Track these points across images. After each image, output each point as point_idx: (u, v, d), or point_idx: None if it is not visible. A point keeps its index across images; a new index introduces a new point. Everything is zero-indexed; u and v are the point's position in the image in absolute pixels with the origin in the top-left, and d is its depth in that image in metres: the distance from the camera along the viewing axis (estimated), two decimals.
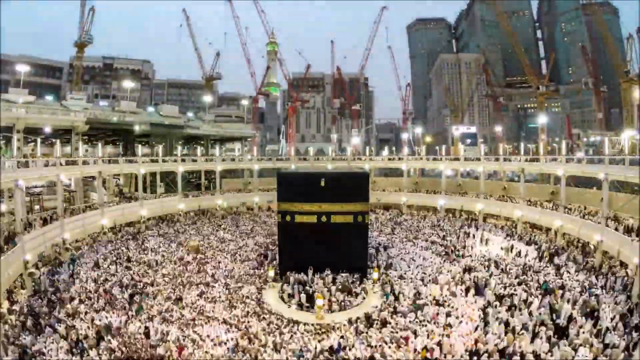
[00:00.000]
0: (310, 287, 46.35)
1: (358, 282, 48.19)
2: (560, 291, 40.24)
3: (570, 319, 34.83)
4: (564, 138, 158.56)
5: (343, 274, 49.46)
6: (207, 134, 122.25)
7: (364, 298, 44.55)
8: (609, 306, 36.81)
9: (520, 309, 37.29)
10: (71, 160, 66.79)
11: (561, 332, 32.93)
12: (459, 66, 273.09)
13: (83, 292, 42.14)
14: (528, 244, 62.91)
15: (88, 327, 34.58)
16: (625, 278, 43.52)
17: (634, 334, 31.00)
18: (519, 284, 44.28)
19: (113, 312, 37.66)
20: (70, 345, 31.58)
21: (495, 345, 30.90)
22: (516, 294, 40.80)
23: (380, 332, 35.01)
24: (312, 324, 37.64)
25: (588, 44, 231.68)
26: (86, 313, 37.44)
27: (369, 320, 37.99)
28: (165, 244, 64.62)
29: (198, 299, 43.01)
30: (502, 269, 50.18)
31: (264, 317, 39.14)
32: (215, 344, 33.07)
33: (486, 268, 50.50)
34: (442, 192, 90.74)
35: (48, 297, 40.71)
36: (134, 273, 49.30)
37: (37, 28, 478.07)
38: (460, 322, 36.08)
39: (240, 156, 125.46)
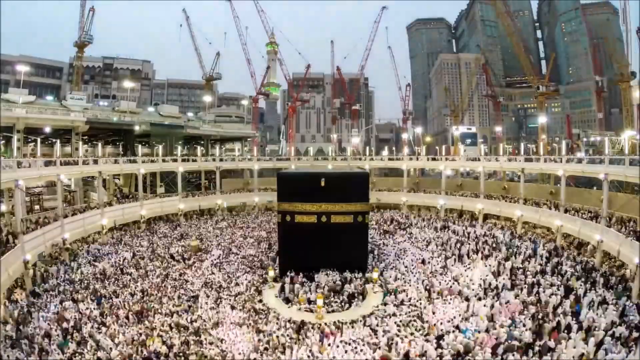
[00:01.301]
0: (310, 287, 46.39)
1: (358, 282, 48.13)
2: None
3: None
4: (564, 138, 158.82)
5: (343, 274, 49.53)
6: (207, 134, 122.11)
7: (364, 298, 44.49)
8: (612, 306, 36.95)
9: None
10: (71, 160, 66.76)
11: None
12: (458, 66, 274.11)
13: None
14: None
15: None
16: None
17: (634, 334, 31.04)
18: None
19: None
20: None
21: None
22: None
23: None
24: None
25: (588, 44, 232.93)
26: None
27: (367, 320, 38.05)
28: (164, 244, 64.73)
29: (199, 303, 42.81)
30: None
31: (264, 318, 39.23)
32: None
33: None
34: (442, 192, 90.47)
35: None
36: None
37: (37, 28, 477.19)
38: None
39: (240, 156, 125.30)
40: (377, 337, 34.37)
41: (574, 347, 29.85)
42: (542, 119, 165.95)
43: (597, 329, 32.63)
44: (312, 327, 36.99)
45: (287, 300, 44.19)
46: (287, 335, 35.29)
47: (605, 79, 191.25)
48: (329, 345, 33.37)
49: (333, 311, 41.34)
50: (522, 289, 42.67)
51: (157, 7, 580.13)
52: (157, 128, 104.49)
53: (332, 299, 43.57)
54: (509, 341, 31.69)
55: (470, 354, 30.60)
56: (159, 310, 39.27)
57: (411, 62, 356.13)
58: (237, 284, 48.06)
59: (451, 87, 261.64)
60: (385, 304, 41.81)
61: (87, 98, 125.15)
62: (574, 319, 35.32)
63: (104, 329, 34.97)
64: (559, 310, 36.82)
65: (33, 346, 31.23)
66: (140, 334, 34.41)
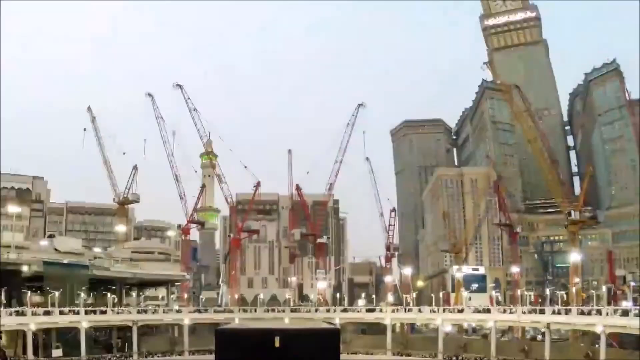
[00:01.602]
0: None
1: None
2: None
3: None
4: (604, 282, 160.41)
5: None
6: (121, 277, 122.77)
7: None
8: None
9: None
10: None
11: None
12: (461, 184, 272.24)
13: None
14: None
15: None
16: None
17: None
18: None
19: None
20: None
21: None
22: None
23: None
24: None
25: (638, 154, 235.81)
26: None
27: None
28: None
29: None
30: None
31: None
32: None
33: None
34: (440, 354, 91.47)
35: None
36: None
37: None
38: None
39: (166, 306, 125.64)
40: None
41: None
42: (574, 257, 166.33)
43: None
44: None
45: None
46: None
47: None
48: None
49: None
50: None
51: (52, 107, 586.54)
52: (53, 268, 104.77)
53: None
54: None
55: None
56: None
57: (397, 179, 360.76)
58: None
59: (451, 212, 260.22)
60: None
61: None
62: None
63: None
64: None
65: None
66: None
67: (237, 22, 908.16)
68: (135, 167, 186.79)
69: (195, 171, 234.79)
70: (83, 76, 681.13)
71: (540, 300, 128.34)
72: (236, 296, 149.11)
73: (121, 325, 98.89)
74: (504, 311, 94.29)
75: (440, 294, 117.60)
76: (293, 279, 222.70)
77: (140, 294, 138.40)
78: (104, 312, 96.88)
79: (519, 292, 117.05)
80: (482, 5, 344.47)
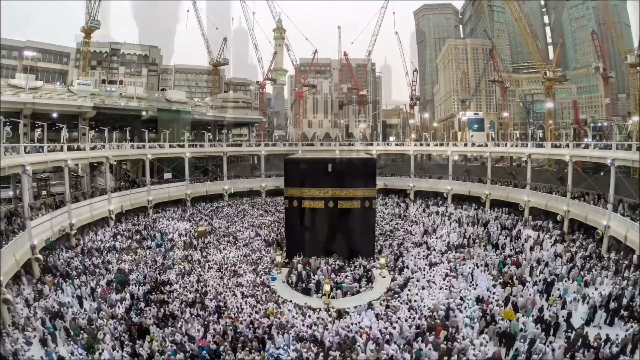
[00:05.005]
0: (317, 272, 46.25)
1: (365, 268, 47.96)
2: None
3: None
4: (571, 123, 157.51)
5: (350, 260, 49.50)
6: (215, 119, 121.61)
7: (371, 283, 44.32)
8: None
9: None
10: (78, 146, 66.44)
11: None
12: (466, 51, 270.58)
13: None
14: None
15: None
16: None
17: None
18: None
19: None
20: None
21: None
22: None
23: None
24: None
25: (596, 30, 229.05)
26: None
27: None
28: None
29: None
30: None
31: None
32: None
33: None
34: (449, 177, 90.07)
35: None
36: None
37: (42, 12, 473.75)
38: None
39: (247, 142, 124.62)
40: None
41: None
42: (549, 105, 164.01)
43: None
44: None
45: (294, 285, 44.33)
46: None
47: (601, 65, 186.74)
48: None
49: (340, 297, 41.20)
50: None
51: None
52: (165, 114, 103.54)
53: (339, 284, 43.32)
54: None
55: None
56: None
57: (418, 47, 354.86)
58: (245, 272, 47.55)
59: (456, 73, 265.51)
60: (392, 289, 41.79)
61: (95, 83, 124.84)
62: None
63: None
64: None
65: None
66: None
67: None
68: (225, 39, 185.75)
69: (269, 42, 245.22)
70: None
71: (524, 137, 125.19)
72: (299, 133, 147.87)
73: (214, 155, 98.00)
74: (497, 145, 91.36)
75: (450, 133, 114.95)
76: (342, 121, 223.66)
77: (229, 132, 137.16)
78: (202, 146, 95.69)
79: (508, 131, 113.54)
80: None
